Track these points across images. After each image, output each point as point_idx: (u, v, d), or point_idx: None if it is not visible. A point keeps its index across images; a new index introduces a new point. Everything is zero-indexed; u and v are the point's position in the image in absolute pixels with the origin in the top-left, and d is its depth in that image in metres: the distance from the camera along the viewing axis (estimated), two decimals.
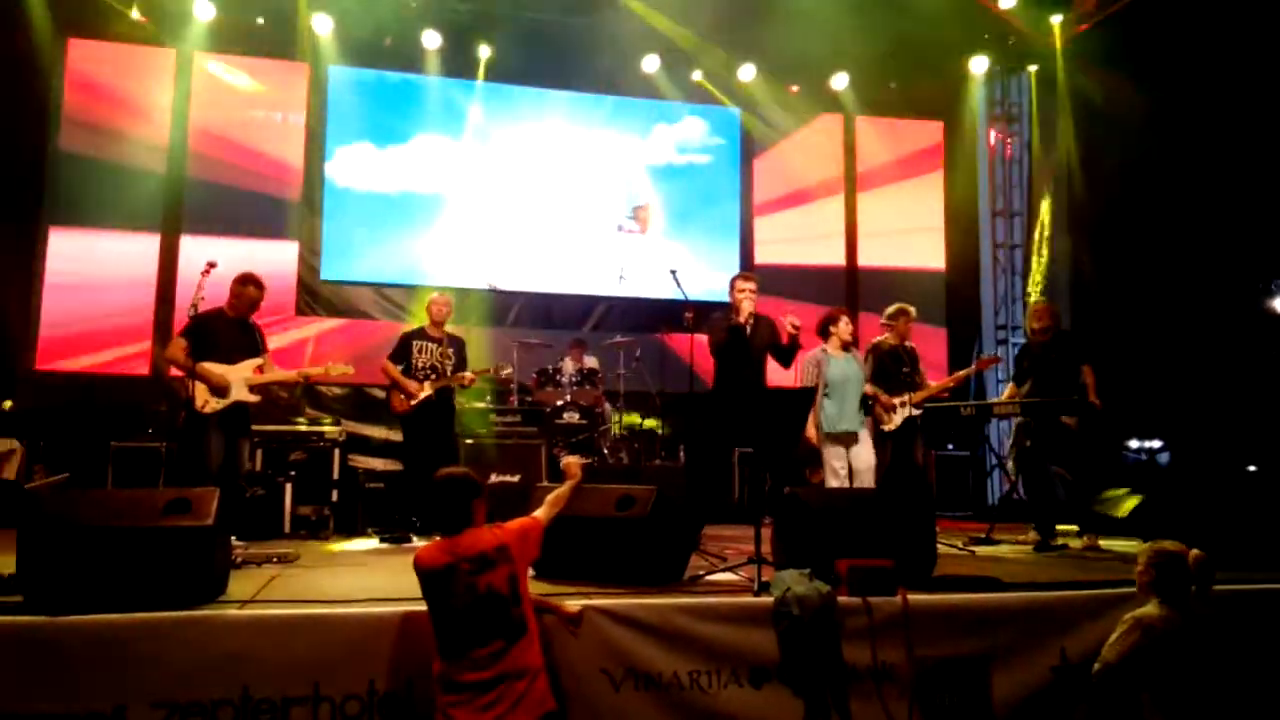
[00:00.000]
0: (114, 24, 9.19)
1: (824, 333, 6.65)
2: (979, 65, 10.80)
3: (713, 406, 5.82)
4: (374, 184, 9.89)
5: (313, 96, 9.87)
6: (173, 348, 5.82)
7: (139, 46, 9.32)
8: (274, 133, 9.68)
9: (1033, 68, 10.92)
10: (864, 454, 6.40)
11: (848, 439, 6.37)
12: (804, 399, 4.92)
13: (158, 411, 8.44)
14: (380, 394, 8.79)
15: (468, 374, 6.77)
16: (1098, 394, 6.26)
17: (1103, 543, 6.15)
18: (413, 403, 6.56)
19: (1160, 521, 6.41)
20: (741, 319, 5.87)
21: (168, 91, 9.40)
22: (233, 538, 4.69)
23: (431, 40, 9.77)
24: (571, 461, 3.87)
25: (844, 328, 6.59)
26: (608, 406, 8.73)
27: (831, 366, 6.48)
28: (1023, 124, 11.50)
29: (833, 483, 6.33)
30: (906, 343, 6.91)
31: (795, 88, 10.98)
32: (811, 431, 6.31)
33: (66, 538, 3.42)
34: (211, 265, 5.62)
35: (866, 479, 6.34)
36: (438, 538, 3.28)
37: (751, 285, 5.98)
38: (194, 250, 9.09)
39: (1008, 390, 6.88)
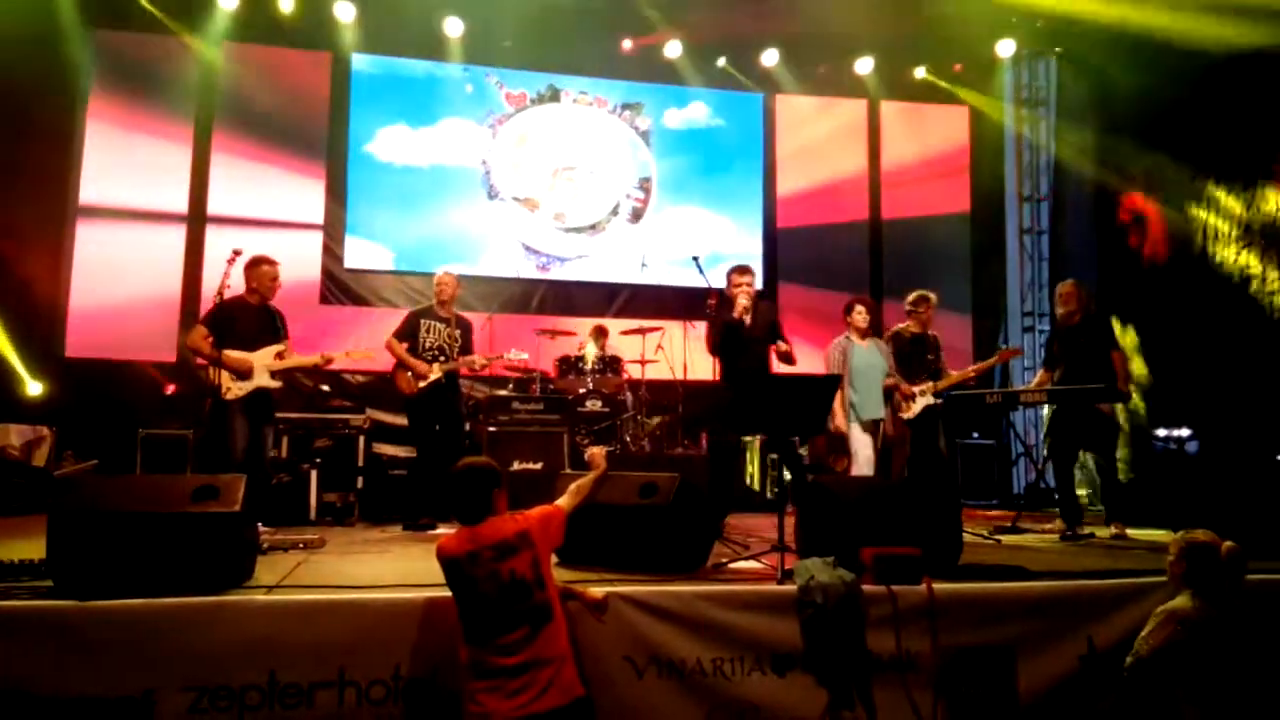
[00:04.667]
0: (140, 15, 9.25)
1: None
2: (1006, 49, 10.66)
3: (737, 395, 5.78)
4: (398, 158, 10.07)
5: (335, 85, 9.91)
6: (194, 335, 5.89)
7: (164, 37, 9.37)
8: (298, 121, 9.73)
9: (1059, 50, 10.73)
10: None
11: (873, 426, 6.43)
12: (827, 386, 4.85)
13: (184, 398, 8.55)
14: None
15: (478, 359, 6.71)
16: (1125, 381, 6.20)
17: (1130, 532, 6.10)
18: (421, 385, 6.48)
19: (1189, 511, 6.34)
20: (737, 314, 5.86)
21: (193, 81, 9.45)
22: (259, 524, 4.73)
23: (453, 27, 9.77)
24: (597, 452, 3.85)
25: (856, 316, 6.67)
26: (630, 395, 8.72)
27: (855, 354, 6.53)
28: (1050, 108, 11.35)
29: (857, 470, 6.40)
30: (929, 330, 6.88)
31: (819, 70, 10.88)
32: (840, 420, 6.33)
33: (96, 523, 3.45)
34: (237, 253, 5.69)
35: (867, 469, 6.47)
36: (458, 526, 3.28)
37: (748, 279, 5.96)
38: (220, 239, 9.17)
39: (1039, 376, 6.81)
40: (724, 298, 6.02)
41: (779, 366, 6.12)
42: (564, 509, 3.45)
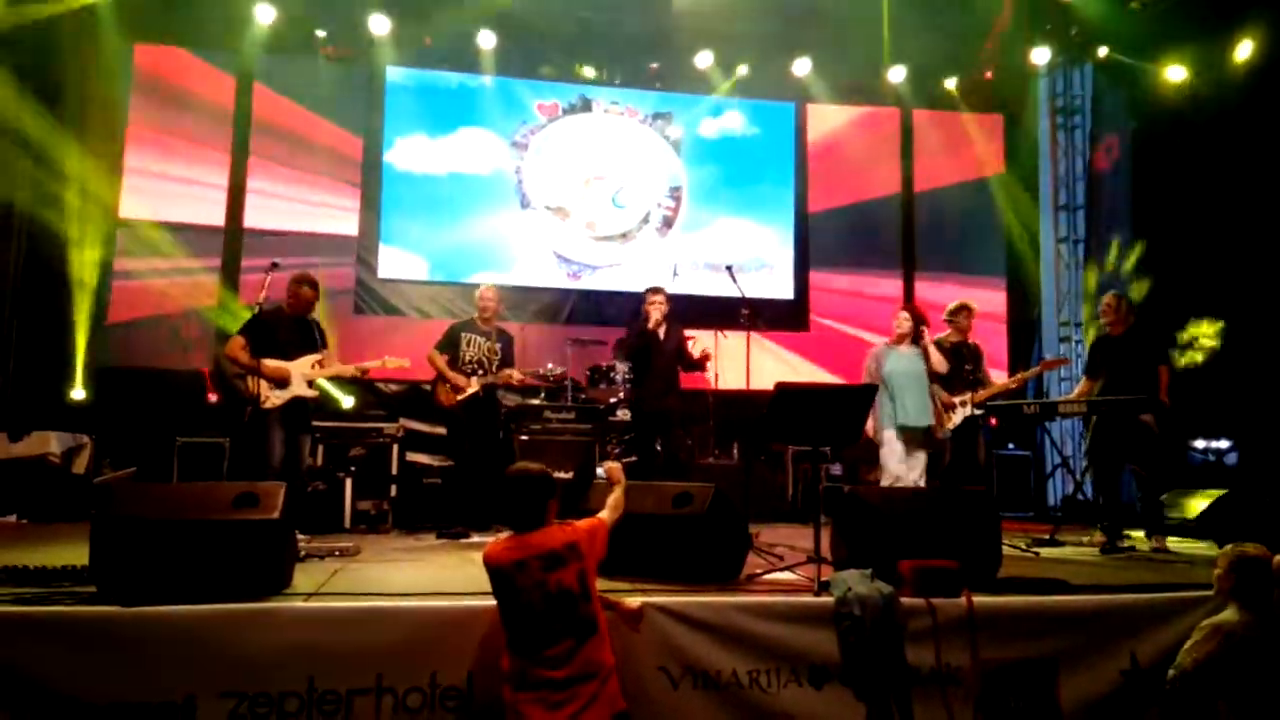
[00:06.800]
0: (177, 29, 9.41)
1: None
2: (1041, 57, 10.55)
3: (773, 404, 5.76)
4: (431, 168, 10.19)
5: (370, 97, 10.03)
6: (232, 345, 5.93)
7: (201, 51, 9.53)
8: (332, 133, 9.83)
9: (1102, 50, 10.54)
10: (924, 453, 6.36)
11: (909, 435, 6.25)
12: (863, 396, 4.79)
13: (221, 407, 8.64)
14: None
15: (515, 374, 6.77)
16: (1168, 393, 6.10)
17: (1171, 544, 6.00)
18: (460, 397, 6.58)
19: (1231, 523, 6.23)
20: (650, 326, 6.63)
21: (230, 94, 9.60)
22: (296, 531, 4.77)
23: (486, 40, 9.86)
24: (613, 467, 3.81)
25: (898, 323, 6.52)
26: None
27: (888, 361, 6.42)
28: (1085, 115, 11.22)
29: (886, 481, 6.24)
30: (969, 340, 6.80)
31: (852, 82, 10.84)
32: (869, 426, 6.19)
33: (139, 530, 3.50)
34: (274, 265, 5.75)
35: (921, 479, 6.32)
36: (504, 533, 3.26)
37: (660, 298, 6.73)
38: (256, 250, 9.33)
39: (1080, 386, 6.72)
40: (639, 312, 6.85)
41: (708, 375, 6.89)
42: (607, 522, 3.43)
